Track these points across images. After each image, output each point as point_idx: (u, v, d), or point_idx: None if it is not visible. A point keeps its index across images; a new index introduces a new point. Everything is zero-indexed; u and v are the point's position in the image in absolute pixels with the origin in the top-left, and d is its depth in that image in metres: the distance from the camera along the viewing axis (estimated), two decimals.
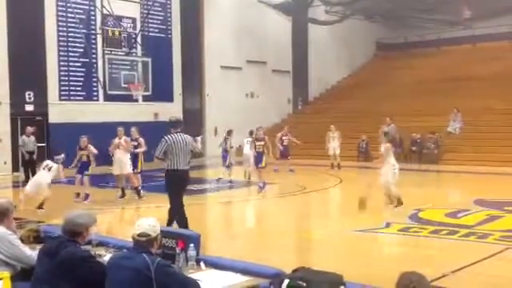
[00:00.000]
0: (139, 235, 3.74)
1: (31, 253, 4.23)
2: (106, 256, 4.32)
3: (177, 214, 8.39)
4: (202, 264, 4.35)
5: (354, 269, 6.15)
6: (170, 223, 8.21)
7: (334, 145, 19.63)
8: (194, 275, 4.04)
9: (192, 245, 4.36)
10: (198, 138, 13.36)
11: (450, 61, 28.72)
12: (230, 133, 17.12)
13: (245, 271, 4.21)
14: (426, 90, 25.48)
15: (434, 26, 30.37)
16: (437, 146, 20.77)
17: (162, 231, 3.94)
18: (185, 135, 8.43)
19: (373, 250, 8.23)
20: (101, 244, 4.79)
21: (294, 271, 3.78)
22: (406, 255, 7.65)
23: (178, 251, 4.34)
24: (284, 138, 18.65)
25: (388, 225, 9.65)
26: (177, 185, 8.41)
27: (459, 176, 17.81)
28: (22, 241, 4.51)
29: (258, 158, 14.96)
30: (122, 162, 13.08)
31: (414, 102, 24.61)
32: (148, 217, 3.95)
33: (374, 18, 31.16)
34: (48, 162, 11.99)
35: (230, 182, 16.22)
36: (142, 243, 3.72)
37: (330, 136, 19.81)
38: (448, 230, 9.14)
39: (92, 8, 21.24)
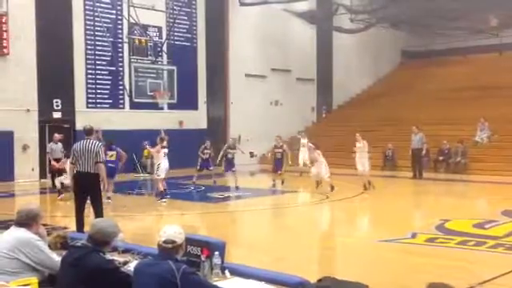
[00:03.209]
0: (165, 242, 3.76)
1: (59, 259, 4.25)
2: (131, 263, 4.35)
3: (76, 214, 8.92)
4: (226, 272, 4.34)
5: (379, 279, 6.09)
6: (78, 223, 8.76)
7: (362, 159, 16.23)
8: (219, 283, 4.04)
9: (217, 252, 4.34)
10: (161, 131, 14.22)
11: (476, 69, 28.35)
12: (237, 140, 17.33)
13: (269, 280, 4.20)
14: (452, 99, 25.18)
15: (460, 34, 30.01)
16: (464, 155, 20.47)
17: (186, 238, 3.95)
18: (92, 142, 8.98)
19: (398, 260, 8.14)
20: (127, 251, 4.82)
21: (319, 281, 3.76)
22: (432, 266, 7.53)
23: (202, 259, 4.33)
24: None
25: (414, 235, 9.55)
26: (76, 187, 9.02)
27: (487, 186, 17.50)
28: (50, 247, 4.55)
29: (111, 171, 13.12)
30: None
31: (439, 110, 24.32)
32: (172, 224, 3.98)
33: (400, 26, 30.88)
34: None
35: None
36: (168, 250, 3.74)
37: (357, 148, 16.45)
38: (475, 240, 9.01)
39: (119, 17, 21.51)
